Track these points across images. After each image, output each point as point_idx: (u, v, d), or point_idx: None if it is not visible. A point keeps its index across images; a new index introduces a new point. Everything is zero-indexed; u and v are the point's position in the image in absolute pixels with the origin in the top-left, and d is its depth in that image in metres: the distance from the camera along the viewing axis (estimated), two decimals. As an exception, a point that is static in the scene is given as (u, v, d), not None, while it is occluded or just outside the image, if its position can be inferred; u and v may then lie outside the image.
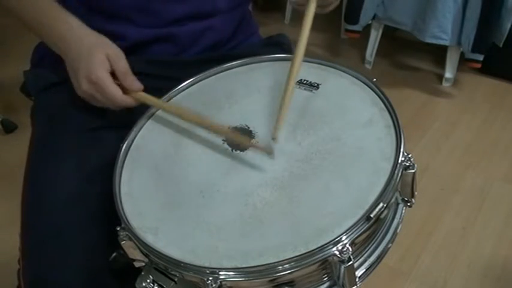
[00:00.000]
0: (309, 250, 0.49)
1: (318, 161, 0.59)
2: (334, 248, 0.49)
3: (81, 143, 0.72)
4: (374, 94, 0.67)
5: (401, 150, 0.57)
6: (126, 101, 0.66)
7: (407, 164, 0.57)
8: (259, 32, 0.93)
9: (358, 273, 0.54)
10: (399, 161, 0.56)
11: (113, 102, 0.66)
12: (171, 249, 0.52)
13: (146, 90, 0.68)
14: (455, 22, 1.76)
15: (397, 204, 0.61)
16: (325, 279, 0.53)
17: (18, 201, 0.71)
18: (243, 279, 0.49)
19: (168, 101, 0.72)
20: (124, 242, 0.55)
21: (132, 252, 0.56)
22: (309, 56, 0.73)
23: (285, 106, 0.63)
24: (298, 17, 2.51)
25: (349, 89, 0.69)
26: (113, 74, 0.66)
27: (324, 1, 0.71)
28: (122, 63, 0.66)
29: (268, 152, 0.60)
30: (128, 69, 0.67)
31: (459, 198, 1.53)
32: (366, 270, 0.55)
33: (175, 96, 0.73)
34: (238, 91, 0.72)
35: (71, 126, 0.73)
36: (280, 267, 0.48)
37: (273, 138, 0.61)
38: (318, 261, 0.49)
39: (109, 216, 0.59)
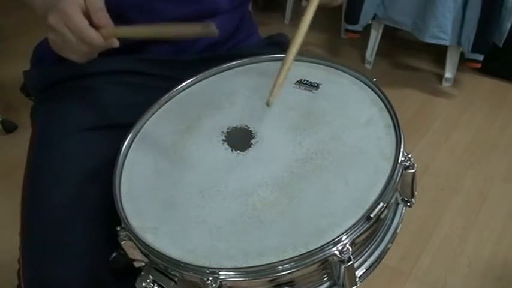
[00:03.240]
0: (309, 250, 0.49)
1: (318, 161, 0.59)
2: (334, 248, 0.49)
3: (81, 143, 0.72)
4: (374, 94, 0.67)
5: (401, 150, 0.57)
6: (92, 34, 0.59)
7: (407, 164, 0.57)
8: (259, 32, 0.93)
9: (358, 273, 0.54)
10: (399, 161, 0.56)
11: (78, 33, 0.59)
12: (171, 249, 0.52)
13: (146, 89, 0.68)
14: (455, 22, 1.76)
15: (397, 204, 0.61)
16: (325, 279, 0.53)
17: (19, 201, 0.71)
18: (243, 279, 0.49)
19: (167, 101, 0.72)
20: (124, 242, 0.55)
21: (132, 252, 0.56)
22: (309, 56, 0.73)
23: (283, 72, 0.62)
24: (298, 17, 2.51)
25: (349, 89, 0.69)
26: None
27: None
28: (98, 1, 0.61)
29: (212, 30, 0.55)
30: (101, 6, 0.61)
31: (459, 198, 1.53)
32: (366, 270, 0.55)
33: (175, 96, 0.73)
34: (238, 91, 0.72)
35: (70, 126, 0.73)
36: (280, 267, 0.48)
37: (267, 103, 0.61)
38: (318, 261, 0.49)
39: (109, 216, 0.59)
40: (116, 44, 0.62)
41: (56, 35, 0.60)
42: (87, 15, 0.60)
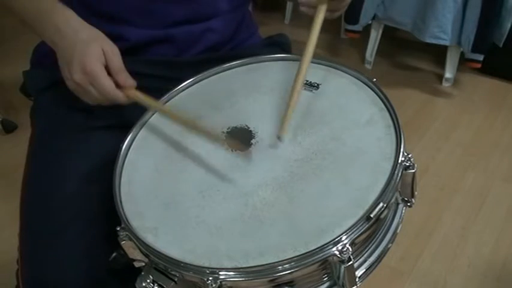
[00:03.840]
0: (309, 250, 0.49)
1: (318, 161, 0.59)
2: (334, 248, 0.49)
3: (81, 143, 0.72)
4: (374, 94, 0.67)
5: (401, 150, 0.57)
6: (119, 95, 0.65)
7: (407, 164, 0.57)
8: (259, 32, 0.93)
9: (358, 273, 0.54)
10: (399, 161, 0.56)
11: (105, 94, 0.64)
12: (171, 249, 0.52)
13: (146, 90, 0.68)
14: (455, 22, 1.76)
15: (397, 204, 0.61)
16: (325, 279, 0.53)
17: (18, 201, 0.71)
18: (243, 279, 0.49)
19: (167, 101, 0.72)
20: (124, 242, 0.55)
21: (132, 252, 0.56)
22: (309, 56, 0.72)
23: (290, 107, 0.63)
24: (298, 17, 2.51)
25: (349, 89, 0.69)
26: (107, 70, 0.65)
27: (334, 6, 0.71)
28: (117, 59, 0.65)
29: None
30: (122, 66, 0.65)
31: (459, 198, 1.53)
32: (366, 270, 0.55)
33: (175, 96, 0.73)
34: (238, 91, 0.72)
35: (70, 126, 0.73)
36: (280, 267, 0.48)
37: (279, 137, 0.62)
38: (318, 261, 0.49)
39: (109, 216, 0.59)
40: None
41: (81, 90, 0.65)
42: (108, 71, 0.64)
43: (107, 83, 0.63)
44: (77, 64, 0.63)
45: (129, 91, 0.66)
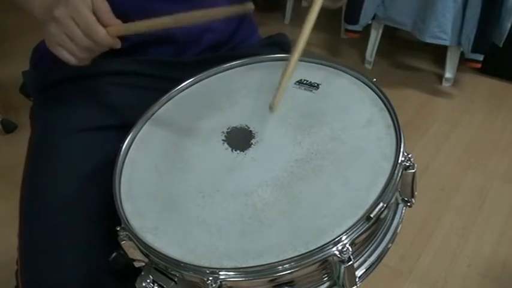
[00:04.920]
0: (309, 250, 0.49)
1: (318, 161, 0.59)
2: (334, 248, 0.49)
3: (81, 143, 0.72)
4: (374, 94, 0.67)
5: (401, 150, 0.57)
6: (101, 30, 0.60)
7: (407, 164, 0.57)
8: (258, 32, 0.93)
9: (358, 273, 0.54)
10: (399, 161, 0.56)
11: (87, 28, 0.59)
12: (171, 249, 0.52)
13: (146, 90, 0.68)
14: (455, 22, 1.76)
15: (397, 204, 0.61)
16: (325, 279, 0.53)
17: (17, 201, 0.71)
18: (243, 279, 0.49)
19: (167, 101, 0.72)
20: (124, 242, 0.55)
21: (132, 252, 0.56)
22: (309, 56, 0.73)
23: (287, 74, 0.62)
24: (298, 17, 2.51)
25: (349, 89, 0.69)
26: None
27: None
28: (104, 3, 0.62)
29: (245, 8, 0.56)
30: (108, 8, 0.62)
31: (459, 198, 1.53)
32: (366, 270, 0.55)
33: (175, 96, 0.73)
34: (238, 91, 0.72)
35: (70, 126, 0.73)
36: (280, 267, 0.48)
37: (271, 107, 0.61)
38: (318, 261, 0.49)
39: (109, 216, 0.59)
40: (118, 45, 0.62)
41: (60, 28, 0.60)
42: (94, 14, 0.60)
43: (89, 15, 0.59)
44: (61, 2, 0.59)
45: (110, 28, 0.61)
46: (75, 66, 0.63)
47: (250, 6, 0.56)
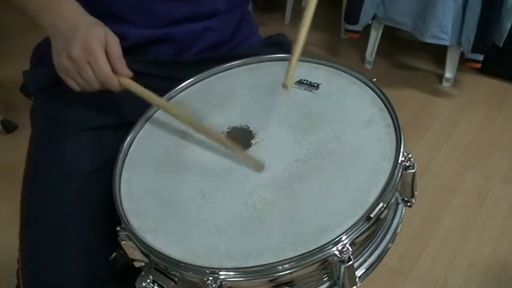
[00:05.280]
0: (309, 250, 0.49)
1: (318, 161, 0.59)
2: (334, 248, 0.49)
3: (81, 143, 0.72)
4: (374, 94, 0.67)
5: (401, 150, 0.57)
6: (113, 78, 0.64)
7: (407, 164, 0.57)
8: (258, 32, 0.93)
9: (358, 273, 0.54)
10: (399, 161, 0.56)
11: (100, 75, 0.63)
12: (171, 249, 0.52)
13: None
14: (455, 22, 1.76)
15: (397, 204, 0.61)
16: (325, 279, 0.53)
17: (18, 201, 0.71)
18: (243, 279, 0.49)
19: (167, 101, 0.72)
20: (124, 242, 0.55)
21: (132, 252, 0.56)
22: (309, 56, 0.73)
23: (296, 53, 0.63)
24: (298, 17, 2.51)
25: (349, 89, 0.69)
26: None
27: None
28: (117, 47, 0.65)
29: (258, 168, 0.59)
30: (121, 54, 0.65)
31: (459, 198, 1.53)
32: (366, 270, 0.55)
33: (175, 96, 0.73)
34: (238, 91, 0.72)
35: (70, 126, 0.73)
36: (280, 267, 0.48)
37: (284, 86, 0.62)
38: (317, 261, 0.49)
39: (109, 216, 0.59)
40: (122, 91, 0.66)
41: (75, 67, 0.63)
42: (107, 56, 0.63)
43: (105, 63, 0.63)
44: (78, 40, 0.62)
45: (123, 78, 0.65)
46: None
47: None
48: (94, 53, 0.62)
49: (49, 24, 0.66)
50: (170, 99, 0.73)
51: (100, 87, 0.65)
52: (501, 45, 1.75)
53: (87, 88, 0.65)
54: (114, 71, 0.64)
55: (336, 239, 0.49)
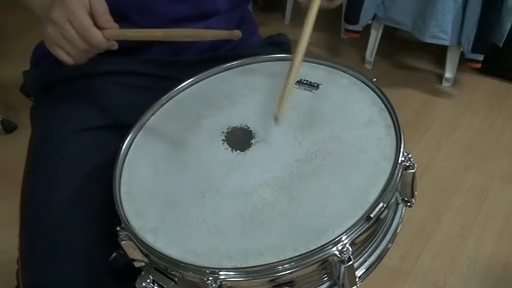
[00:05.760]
0: (309, 250, 0.49)
1: (318, 161, 0.59)
2: (334, 248, 0.49)
3: (81, 143, 0.72)
4: (374, 94, 0.67)
5: (401, 150, 0.57)
6: (97, 34, 0.60)
7: (407, 164, 0.57)
8: (259, 32, 0.93)
9: (358, 273, 0.54)
10: (399, 161, 0.56)
11: (83, 31, 0.60)
12: (171, 249, 0.52)
13: (146, 90, 0.68)
14: (455, 22, 1.76)
15: (397, 204, 0.61)
16: (325, 279, 0.53)
17: (18, 201, 0.71)
18: (243, 279, 0.49)
19: (167, 101, 0.72)
20: (124, 242, 0.55)
21: (132, 252, 0.56)
22: (309, 56, 0.73)
23: (289, 85, 0.62)
24: (298, 16, 2.51)
25: (349, 89, 0.69)
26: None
27: None
28: (100, 3, 0.62)
29: (235, 35, 0.59)
30: (106, 10, 0.63)
31: (459, 198, 1.53)
32: (366, 270, 0.55)
33: (175, 96, 0.73)
34: (238, 91, 0.72)
35: (70, 126, 0.73)
36: (280, 267, 0.48)
37: (275, 119, 0.60)
38: (318, 261, 0.49)
39: (109, 216, 0.59)
40: (115, 47, 0.63)
41: (57, 30, 0.61)
42: (91, 17, 0.61)
43: (85, 18, 0.60)
44: (58, 4, 0.60)
45: (106, 31, 0.62)
46: (73, 65, 0.64)
47: (238, 33, 0.59)
48: (73, 10, 0.59)
49: (38, 7, 0.65)
50: (170, 99, 0.73)
51: (86, 47, 0.61)
52: (501, 45, 1.75)
53: (74, 52, 0.62)
54: (100, 28, 0.61)
55: (336, 239, 0.49)
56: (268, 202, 0.55)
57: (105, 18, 0.62)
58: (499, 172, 1.61)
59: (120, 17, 0.74)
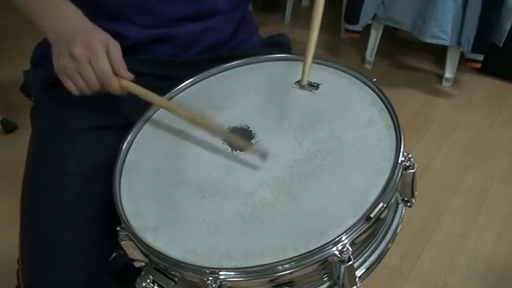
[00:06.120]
0: (309, 250, 0.49)
1: (318, 160, 0.59)
2: (334, 248, 0.49)
3: (81, 143, 0.72)
4: (374, 94, 0.67)
5: (401, 150, 0.57)
6: (114, 81, 0.63)
7: (407, 164, 0.57)
8: (259, 32, 0.93)
9: (358, 273, 0.54)
10: (399, 161, 0.56)
11: (102, 76, 0.63)
12: (171, 249, 0.52)
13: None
14: (455, 22, 1.76)
15: (397, 204, 0.61)
16: (325, 279, 0.53)
17: (18, 201, 0.71)
18: (243, 279, 0.49)
19: (169, 99, 0.72)
20: (124, 242, 0.55)
21: (132, 252, 0.56)
22: (309, 56, 0.73)
23: (310, 51, 0.66)
24: (298, 17, 2.51)
25: (349, 89, 0.69)
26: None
27: None
28: (118, 51, 0.64)
29: (263, 156, 0.60)
30: (122, 59, 0.65)
31: (459, 198, 1.53)
32: (366, 270, 0.55)
33: (175, 96, 0.73)
34: (238, 91, 0.72)
35: (71, 126, 0.73)
36: (280, 267, 0.48)
37: (300, 83, 0.67)
38: (318, 261, 0.49)
39: (109, 216, 0.59)
40: (125, 95, 0.66)
41: (75, 67, 0.62)
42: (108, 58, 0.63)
43: (107, 65, 0.62)
44: (80, 39, 0.62)
45: (123, 80, 0.65)
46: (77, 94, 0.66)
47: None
48: (96, 52, 0.62)
49: (49, 29, 0.66)
50: (170, 99, 0.73)
51: (99, 89, 0.65)
52: (501, 45, 1.75)
53: (85, 90, 0.65)
54: (114, 73, 0.64)
55: (336, 239, 0.49)
56: (268, 202, 0.55)
57: (123, 67, 0.64)
58: (499, 172, 1.61)
59: (120, 16, 0.74)
